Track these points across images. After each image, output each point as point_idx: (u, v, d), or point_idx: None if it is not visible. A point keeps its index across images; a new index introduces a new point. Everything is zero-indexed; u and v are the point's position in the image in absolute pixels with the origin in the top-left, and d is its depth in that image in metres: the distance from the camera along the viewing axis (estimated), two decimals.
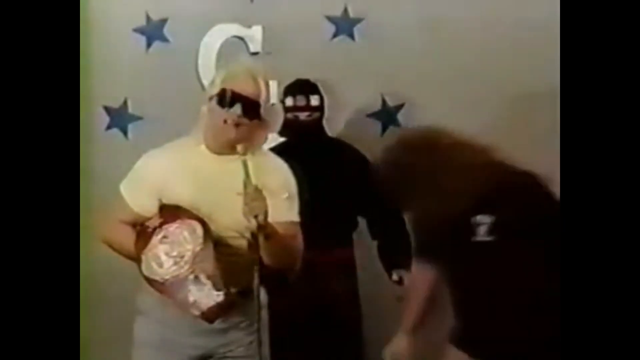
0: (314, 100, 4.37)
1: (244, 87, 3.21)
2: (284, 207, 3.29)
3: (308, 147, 4.23)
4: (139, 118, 4.70)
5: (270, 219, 3.18)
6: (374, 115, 4.76)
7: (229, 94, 3.19)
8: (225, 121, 3.20)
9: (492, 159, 3.36)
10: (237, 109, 3.19)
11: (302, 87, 4.37)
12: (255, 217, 3.13)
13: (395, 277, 4.27)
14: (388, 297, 4.22)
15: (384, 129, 4.79)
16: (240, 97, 3.20)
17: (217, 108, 3.21)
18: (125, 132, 4.71)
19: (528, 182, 3.35)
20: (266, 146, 3.49)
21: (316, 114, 4.37)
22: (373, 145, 4.38)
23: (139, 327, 3.38)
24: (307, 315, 4.15)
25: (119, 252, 3.35)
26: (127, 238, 3.27)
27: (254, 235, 3.17)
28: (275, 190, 3.27)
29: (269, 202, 3.17)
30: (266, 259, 3.23)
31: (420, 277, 3.50)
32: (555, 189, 3.04)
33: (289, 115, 4.36)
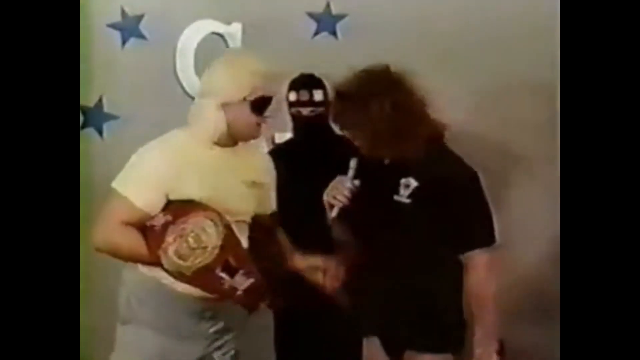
0: (318, 95, 4.26)
1: (271, 89, 3.25)
2: (273, 197, 3.40)
3: (313, 144, 4.16)
4: (115, 117, 4.60)
5: (270, 209, 3.37)
6: None
7: (268, 102, 3.23)
8: (258, 124, 3.24)
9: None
10: (268, 111, 3.24)
11: (305, 82, 4.28)
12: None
13: None
14: None
15: None
16: (270, 101, 3.25)
17: (248, 112, 3.21)
18: (100, 132, 4.61)
19: (465, 175, 3.37)
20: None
21: (320, 109, 4.25)
22: None
23: (130, 336, 3.25)
24: (309, 313, 4.05)
25: (125, 256, 3.21)
26: (136, 240, 3.15)
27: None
28: (267, 181, 3.37)
29: (264, 192, 3.30)
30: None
31: None
32: (556, 179, 3.01)
33: (293, 110, 4.28)
